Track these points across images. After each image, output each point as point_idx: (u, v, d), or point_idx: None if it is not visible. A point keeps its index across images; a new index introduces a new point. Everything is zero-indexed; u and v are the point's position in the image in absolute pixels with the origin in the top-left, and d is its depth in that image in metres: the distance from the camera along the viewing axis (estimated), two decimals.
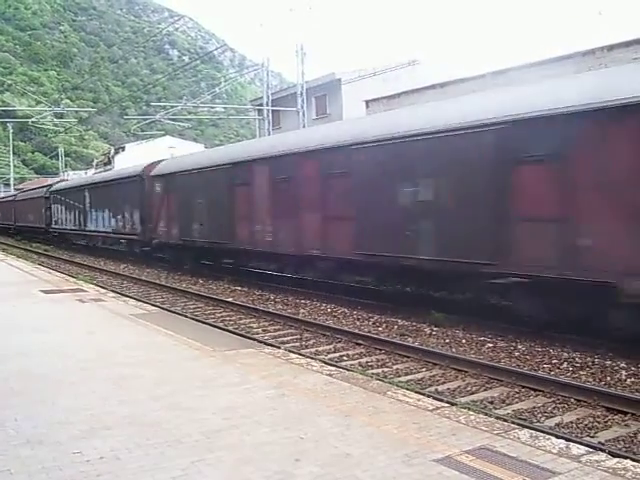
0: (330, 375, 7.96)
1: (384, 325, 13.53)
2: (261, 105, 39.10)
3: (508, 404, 8.24)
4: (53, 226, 43.87)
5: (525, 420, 7.40)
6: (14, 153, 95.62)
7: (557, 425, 7.40)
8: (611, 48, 20.06)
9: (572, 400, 8.24)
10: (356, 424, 6.07)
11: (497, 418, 6.54)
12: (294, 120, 36.18)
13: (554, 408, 8.03)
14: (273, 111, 38.99)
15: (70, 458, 5.32)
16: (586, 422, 7.49)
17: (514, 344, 11.14)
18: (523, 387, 8.85)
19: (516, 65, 21.57)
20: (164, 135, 69.06)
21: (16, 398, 7.16)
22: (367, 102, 30.20)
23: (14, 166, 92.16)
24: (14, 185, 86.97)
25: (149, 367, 8.54)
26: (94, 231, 35.39)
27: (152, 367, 8.54)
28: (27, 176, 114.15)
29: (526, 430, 5.89)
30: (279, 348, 10.47)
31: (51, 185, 48.52)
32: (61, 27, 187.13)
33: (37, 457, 5.36)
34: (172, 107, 41.62)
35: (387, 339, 12.01)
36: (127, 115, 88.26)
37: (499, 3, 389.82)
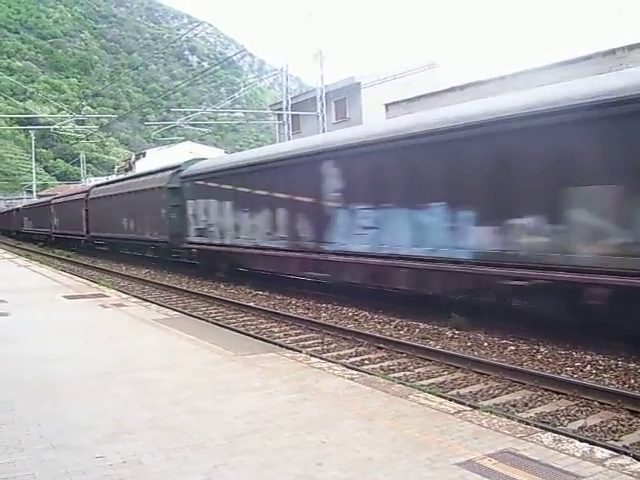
0: (352, 379, 7.96)
1: (405, 329, 13.50)
2: (280, 110, 39.24)
3: (531, 407, 8.18)
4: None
5: (548, 423, 7.34)
6: (36, 160, 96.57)
7: (580, 428, 7.33)
8: (631, 48, 19.91)
9: (596, 403, 8.17)
10: (378, 428, 6.06)
11: (519, 421, 6.49)
12: (314, 124, 36.23)
13: (577, 411, 7.97)
14: (293, 116, 39.08)
15: (93, 462, 5.36)
16: (610, 425, 7.42)
17: (536, 347, 11.06)
18: (546, 390, 8.78)
19: (535, 67, 21.49)
20: (184, 141, 69.42)
21: (40, 403, 7.23)
22: (387, 105, 30.20)
23: (36, 173, 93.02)
24: (36, 192, 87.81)
25: (171, 371, 8.59)
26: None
27: (173, 371, 8.58)
28: (49, 182, 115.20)
29: (549, 433, 5.86)
30: (300, 352, 10.48)
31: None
32: (82, 35, 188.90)
33: (60, 461, 5.41)
34: (192, 113, 41.83)
35: (409, 342, 11.98)
36: (147, 121, 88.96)
37: (519, 4, 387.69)
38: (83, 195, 41.68)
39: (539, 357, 10.53)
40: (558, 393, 8.66)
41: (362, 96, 36.64)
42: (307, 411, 6.64)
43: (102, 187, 40.38)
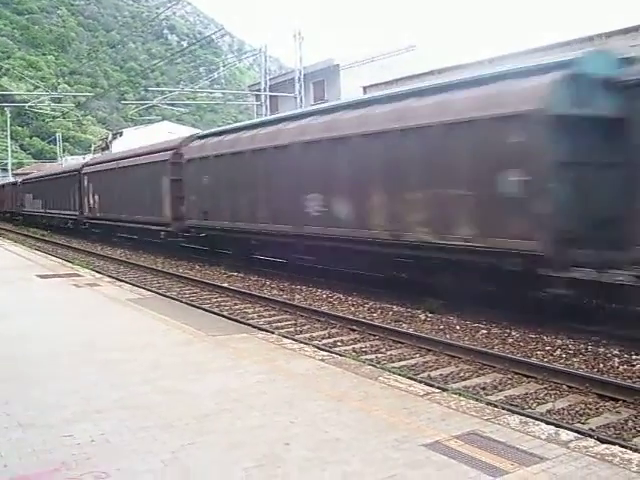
0: (323, 360, 7.97)
1: (379, 311, 13.54)
2: (259, 90, 38.99)
3: (500, 390, 8.25)
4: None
5: (516, 406, 7.41)
6: (12, 138, 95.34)
7: (548, 412, 7.41)
8: (609, 35, 20.00)
9: (564, 387, 8.25)
10: (347, 409, 6.08)
11: (487, 404, 6.55)
12: (292, 105, 36.05)
13: (546, 395, 8.05)
14: (271, 97, 38.87)
15: (60, 441, 5.33)
16: (577, 409, 7.50)
17: (508, 331, 11.14)
18: (516, 373, 8.86)
19: (513, 52, 21.51)
20: (162, 120, 68.81)
21: (8, 381, 7.19)
22: (365, 88, 30.12)
23: (12, 151, 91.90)
24: (12, 170, 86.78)
25: (141, 351, 8.56)
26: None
27: (145, 351, 8.55)
28: (25, 161, 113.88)
29: (516, 416, 5.91)
30: (273, 333, 10.47)
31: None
32: (59, 11, 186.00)
33: (28, 440, 5.37)
34: (170, 92, 41.44)
35: (381, 325, 12.03)
36: (125, 100, 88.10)
37: None
38: (167, 155, 24.96)
39: (510, 341, 10.62)
40: (528, 377, 8.73)
41: (341, 78, 36.52)
42: (277, 391, 6.64)
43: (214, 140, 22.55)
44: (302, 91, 35.28)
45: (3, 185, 65.81)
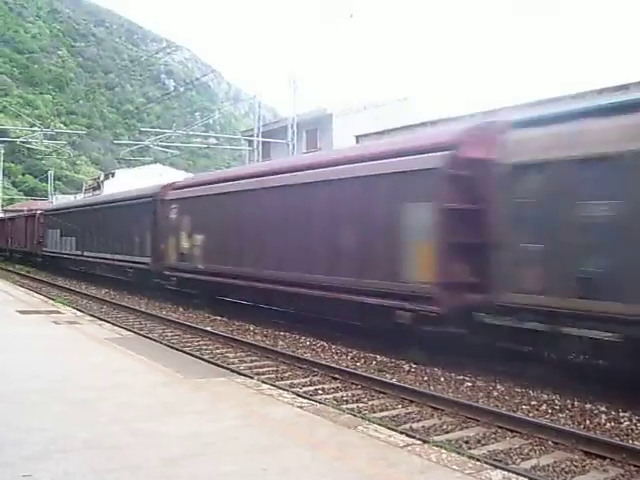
0: (301, 407, 7.74)
1: (362, 360, 13.28)
2: (252, 136, 39.15)
3: (484, 444, 7.98)
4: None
5: (500, 461, 7.14)
6: (4, 174, 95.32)
7: (533, 468, 7.14)
8: (601, 92, 20.02)
9: (550, 443, 7.99)
10: (323, 458, 5.84)
11: (470, 458, 6.31)
12: (284, 153, 36.20)
13: (531, 450, 7.78)
14: (263, 143, 39.02)
15: None
16: (563, 466, 7.24)
17: (493, 384, 10.90)
18: (500, 428, 8.59)
19: (508, 105, 21.61)
20: (154, 163, 68.93)
21: None
22: (357, 137, 30.26)
23: (4, 187, 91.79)
24: (2, 206, 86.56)
25: (116, 391, 8.30)
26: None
27: (119, 391, 8.29)
28: (16, 197, 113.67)
29: (499, 471, 5.69)
30: (252, 378, 10.19)
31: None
32: (59, 52, 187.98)
33: None
34: (162, 134, 41.58)
35: (364, 374, 11.76)
36: (119, 141, 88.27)
37: (494, 41, 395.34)
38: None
39: (495, 394, 10.37)
40: (512, 431, 8.47)
41: (333, 127, 36.74)
42: (251, 437, 6.39)
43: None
44: (294, 138, 35.43)
45: (12, 218, 54.88)
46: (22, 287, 26.65)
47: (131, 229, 27.11)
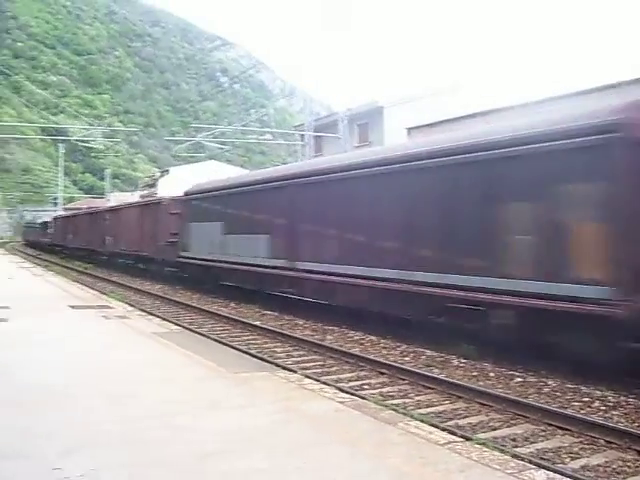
0: (342, 403, 7.55)
1: (411, 355, 13.05)
2: (304, 131, 39.09)
3: (532, 442, 7.68)
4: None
5: (548, 460, 6.86)
6: (65, 173, 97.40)
7: (582, 467, 6.84)
8: None
9: (601, 441, 7.66)
10: (359, 455, 5.66)
11: (513, 456, 6.04)
12: (336, 147, 36.03)
13: (581, 449, 7.46)
14: (316, 138, 38.91)
15: (49, 474, 5.04)
16: (614, 466, 6.91)
17: (544, 380, 10.56)
18: (550, 425, 8.28)
19: (560, 94, 21.07)
20: (210, 159, 69.53)
21: (10, 408, 6.94)
22: (409, 130, 29.93)
23: (64, 186, 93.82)
24: (63, 204, 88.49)
25: (157, 385, 8.26)
26: None
27: (160, 385, 8.26)
28: (76, 196, 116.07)
29: (543, 471, 5.41)
30: (295, 372, 10.08)
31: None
32: (116, 52, 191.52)
33: (16, 470, 5.11)
34: (216, 129, 41.82)
35: (412, 369, 11.52)
36: (176, 140, 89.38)
37: (550, 27, 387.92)
38: None
39: (546, 390, 10.03)
40: (562, 429, 8.15)
41: (384, 119, 36.42)
42: (288, 433, 6.25)
43: None
44: (346, 132, 35.23)
45: (111, 209, 43.34)
46: (77, 283, 27.04)
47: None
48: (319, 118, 43.60)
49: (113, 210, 41.74)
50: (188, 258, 26.21)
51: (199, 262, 25.18)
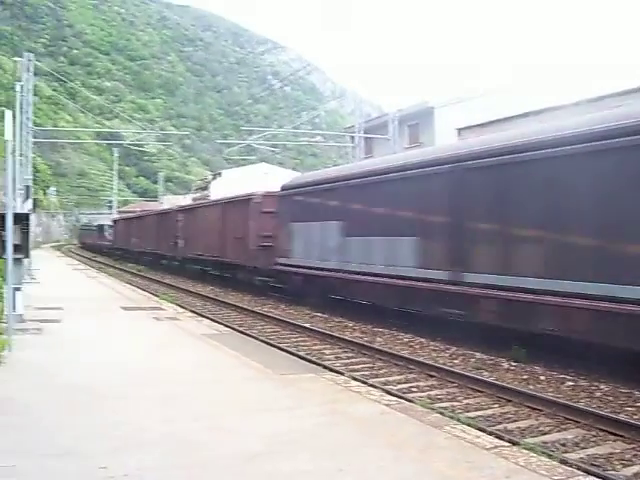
0: (388, 405, 7.50)
1: (461, 358, 12.91)
2: (354, 133, 39.02)
3: (582, 448, 7.51)
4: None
5: (598, 467, 6.69)
6: (119, 177, 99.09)
7: (635, 475, 6.65)
8: None
9: None
10: (404, 458, 5.60)
11: (561, 462, 5.91)
12: (386, 149, 35.87)
13: (634, 456, 7.25)
14: (366, 139, 38.79)
15: (94, 473, 5.10)
16: None
17: (596, 384, 10.32)
18: (601, 430, 8.08)
19: (613, 92, 20.60)
20: (261, 162, 69.95)
21: (61, 408, 7.07)
22: (459, 130, 29.65)
23: (119, 190, 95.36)
24: (118, 208, 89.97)
25: (204, 386, 8.33)
26: None
27: (207, 386, 8.32)
28: (130, 199, 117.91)
29: (592, 478, 5.29)
30: (342, 374, 10.06)
31: None
32: (169, 57, 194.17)
33: (62, 469, 5.18)
34: (267, 132, 42.06)
35: (461, 372, 11.39)
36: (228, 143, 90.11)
37: (599, 27, 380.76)
38: None
39: (598, 394, 9.81)
40: (615, 434, 7.95)
41: (435, 121, 36.13)
42: (332, 435, 6.23)
43: None
44: (396, 133, 35.04)
45: (184, 209, 38.16)
46: (130, 284, 27.47)
47: None
48: (369, 120, 43.45)
49: (187, 209, 37.13)
50: (288, 266, 21.80)
51: (305, 271, 20.70)
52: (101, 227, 69.76)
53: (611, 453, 7.31)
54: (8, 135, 10.40)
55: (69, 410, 6.98)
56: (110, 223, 64.55)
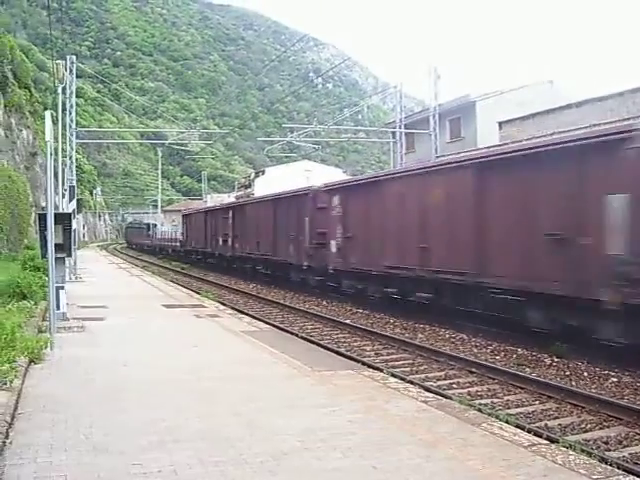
0: (425, 402, 7.41)
1: (502, 354, 12.74)
2: (395, 128, 38.83)
3: (625, 446, 7.33)
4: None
5: None
6: (163, 176, 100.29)
7: None
8: None
9: None
10: (439, 456, 5.52)
11: (601, 460, 5.76)
12: (428, 143, 35.64)
13: None
14: (407, 134, 38.57)
15: (128, 469, 5.12)
16: None
17: None
18: None
19: None
20: (304, 160, 70.02)
21: (99, 405, 7.11)
22: (500, 124, 29.28)
23: (163, 189, 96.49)
24: (162, 207, 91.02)
25: (240, 383, 8.33)
26: None
27: (243, 383, 8.32)
28: (174, 198, 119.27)
29: (632, 477, 5.13)
30: (381, 371, 9.99)
31: None
32: (211, 57, 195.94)
33: (97, 465, 5.20)
34: (309, 129, 42.05)
35: (502, 368, 11.24)
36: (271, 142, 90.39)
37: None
38: None
39: None
40: None
41: (477, 114, 35.75)
42: (367, 433, 6.17)
43: None
44: (437, 128, 34.76)
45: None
46: (173, 282, 27.72)
47: None
48: (409, 115, 43.18)
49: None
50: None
51: None
52: (148, 225, 70.12)
53: None
54: (47, 136, 10.53)
55: (107, 407, 7.03)
56: (154, 222, 64.34)
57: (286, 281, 26.33)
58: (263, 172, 70.89)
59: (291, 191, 26.63)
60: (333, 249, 21.36)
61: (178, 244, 52.14)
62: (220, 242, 36.09)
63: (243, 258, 32.20)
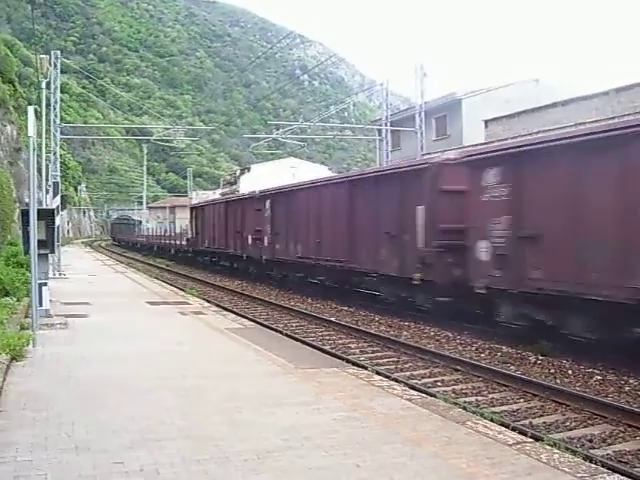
0: (410, 400, 7.38)
1: (487, 351, 12.75)
2: (381, 126, 38.81)
3: (609, 444, 7.33)
4: None
5: (626, 464, 6.52)
6: (149, 173, 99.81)
7: None
8: None
9: None
10: (423, 454, 5.49)
11: (585, 459, 5.75)
12: (414, 141, 35.64)
13: None
14: (393, 132, 38.54)
15: (109, 468, 5.06)
16: None
17: (625, 378, 10.12)
18: (629, 426, 7.90)
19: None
20: (289, 157, 69.85)
21: (81, 402, 7.05)
22: (486, 122, 29.32)
23: (148, 185, 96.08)
24: (147, 203, 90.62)
25: (224, 380, 8.27)
26: None
27: (227, 380, 8.26)
28: (160, 194, 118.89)
29: (616, 475, 5.12)
30: (365, 369, 9.96)
31: None
32: (197, 53, 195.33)
33: (78, 464, 5.14)
34: (294, 126, 41.97)
35: (487, 366, 11.25)
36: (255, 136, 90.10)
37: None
38: None
39: (627, 389, 9.61)
40: None
41: (463, 113, 35.79)
42: (351, 431, 6.13)
43: None
44: (423, 126, 34.75)
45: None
46: (158, 279, 27.59)
47: None
48: (395, 112, 43.20)
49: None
50: None
51: None
52: (134, 223, 69.49)
53: (639, 449, 7.13)
54: (30, 131, 10.41)
55: (89, 405, 6.96)
56: (139, 218, 63.40)
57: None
58: (249, 169, 70.71)
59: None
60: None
61: (184, 243, 44.67)
62: (249, 241, 29.39)
63: (288, 264, 25.16)
